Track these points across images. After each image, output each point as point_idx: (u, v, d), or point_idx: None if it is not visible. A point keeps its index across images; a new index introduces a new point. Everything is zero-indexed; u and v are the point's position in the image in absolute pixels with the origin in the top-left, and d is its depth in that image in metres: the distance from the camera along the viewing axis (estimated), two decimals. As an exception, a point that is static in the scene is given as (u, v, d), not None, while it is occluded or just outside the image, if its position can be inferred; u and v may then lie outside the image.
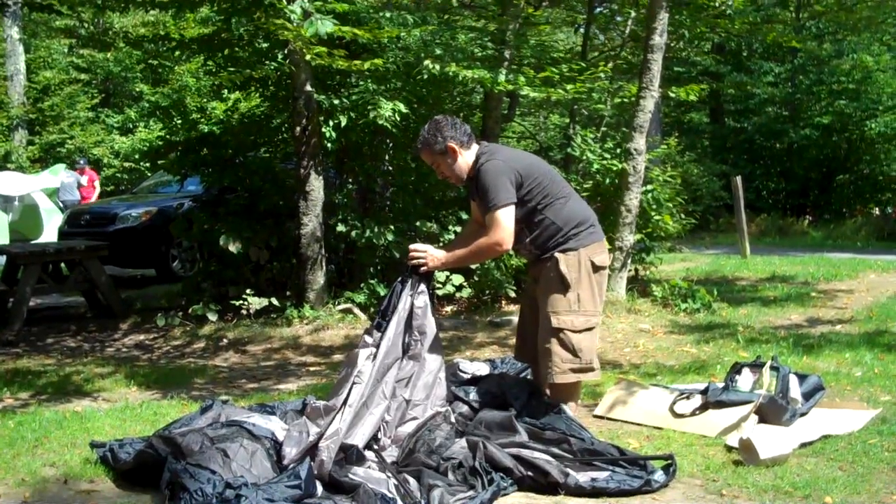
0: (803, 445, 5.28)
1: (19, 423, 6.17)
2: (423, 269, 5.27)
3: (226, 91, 12.60)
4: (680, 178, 12.12)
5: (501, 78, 9.91)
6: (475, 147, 5.39)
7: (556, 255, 5.29)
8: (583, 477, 4.62)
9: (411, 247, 5.37)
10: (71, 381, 8.09)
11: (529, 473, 4.66)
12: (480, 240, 5.26)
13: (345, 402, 4.86)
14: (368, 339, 5.13)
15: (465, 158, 5.34)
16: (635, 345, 8.82)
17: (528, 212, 5.27)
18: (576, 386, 5.49)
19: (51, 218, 18.91)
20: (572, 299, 5.29)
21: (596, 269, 5.38)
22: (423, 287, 5.26)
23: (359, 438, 4.81)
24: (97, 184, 22.43)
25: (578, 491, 4.55)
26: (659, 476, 4.64)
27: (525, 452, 4.80)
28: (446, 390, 5.41)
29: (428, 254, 5.25)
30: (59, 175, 21.03)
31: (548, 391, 5.46)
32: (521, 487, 4.66)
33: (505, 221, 5.13)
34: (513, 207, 5.17)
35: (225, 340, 9.84)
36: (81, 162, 22.58)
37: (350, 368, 5.03)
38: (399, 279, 5.31)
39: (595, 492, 4.54)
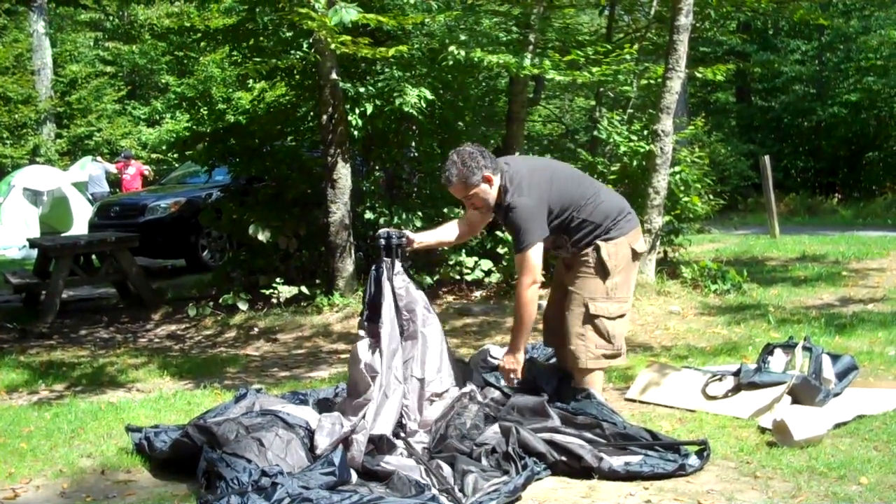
0: (837, 426, 5.27)
1: (55, 414, 6.24)
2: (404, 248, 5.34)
3: (251, 81, 12.65)
4: (707, 158, 12.03)
5: (526, 62, 9.88)
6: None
7: (598, 242, 5.32)
8: (616, 461, 4.63)
9: (501, 365, 5.38)
10: (105, 373, 8.16)
11: (563, 458, 4.67)
12: (520, 292, 5.23)
13: (369, 398, 4.88)
14: (362, 333, 5.17)
15: (495, 183, 5.31)
16: (666, 327, 8.80)
17: (565, 223, 5.31)
18: (600, 372, 5.51)
19: (79, 210, 19.07)
20: (610, 287, 5.34)
21: (636, 256, 5.46)
22: (398, 267, 5.28)
23: (385, 427, 4.84)
24: (147, 172, 22.12)
25: (612, 475, 4.56)
26: (693, 461, 4.64)
27: (558, 437, 4.81)
28: (456, 362, 5.49)
29: (508, 360, 5.32)
30: (86, 168, 21.19)
31: (575, 375, 5.46)
32: (555, 472, 4.67)
33: (535, 260, 5.17)
34: (542, 242, 5.19)
35: (256, 329, 9.89)
36: (122, 155, 22.49)
37: (356, 364, 5.04)
38: (373, 268, 5.33)
39: (629, 475, 4.55)
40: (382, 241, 5.28)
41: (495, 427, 4.95)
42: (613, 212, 5.37)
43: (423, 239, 5.55)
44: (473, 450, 4.74)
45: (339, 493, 4.25)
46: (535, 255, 5.15)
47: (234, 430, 4.73)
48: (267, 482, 4.23)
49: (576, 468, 4.64)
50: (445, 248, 9.45)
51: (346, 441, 4.70)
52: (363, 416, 4.79)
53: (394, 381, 5.00)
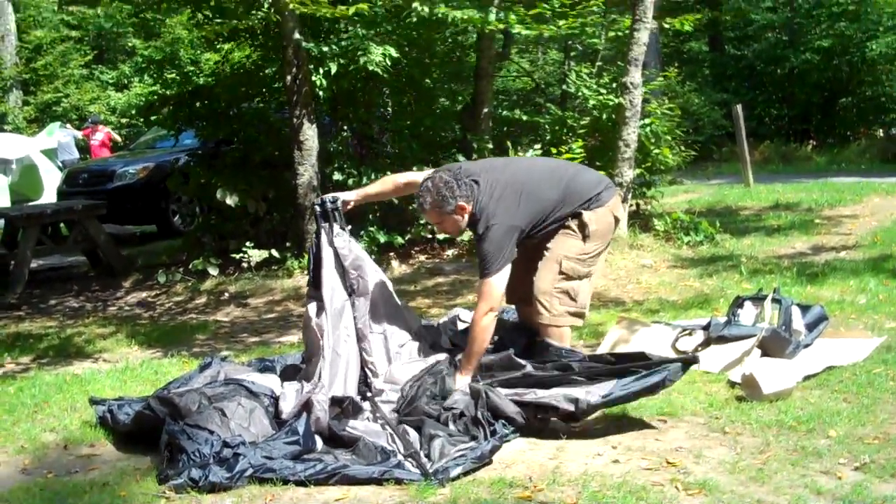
0: (807, 378, 5.25)
1: (19, 388, 6.17)
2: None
3: (217, 42, 12.46)
4: (678, 109, 11.95)
5: (492, 17, 9.71)
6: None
7: (580, 211, 5.28)
8: (593, 397, 4.57)
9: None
10: (72, 343, 8.07)
11: (538, 416, 4.66)
12: (476, 319, 5.08)
13: (322, 357, 4.88)
14: (311, 298, 5.24)
15: (468, 211, 5.20)
16: (638, 281, 8.76)
17: (542, 228, 5.28)
18: (567, 329, 5.45)
19: (50, 178, 18.85)
20: (586, 249, 5.29)
21: (616, 221, 5.50)
22: (337, 228, 5.32)
23: (348, 388, 4.82)
24: (116, 137, 21.90)
25: (593, 410, 4.58)
26: (673, 374, 4.60)
27: (529, 396, 4.75)
28: (423, 326, 5.58)
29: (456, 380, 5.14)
30: (54, 135, 20.92)
31: (541, 332, 5.41)
32: (525, 433, 4.63)
33: (497, 287, 5.05)
34: (508, 267, 5.06)
35: (226, 294, 9.80)
36: (90, 120, 22.24)
37: (308, 325, 5.11)
38: (314, 233, 5.42)
39: (611, 403, 4.57)
40: (318, 208, 5.35)
41: (465, 388, 4.90)
42: (592, 189, 5.33)
43: (353, 197, 5.60)
44: (441, 414, 4.69)
45: (303, 461, 4.22)
46: (497, 282, 5.05)
47: (197, 400, 4.66)
48: (229, 453, 4.20)
49: (555, 418, 4.66)
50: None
51: (308, 405, 4.64)
52: (319, 377, 4.76)
53: (343, 339, 5.01)
